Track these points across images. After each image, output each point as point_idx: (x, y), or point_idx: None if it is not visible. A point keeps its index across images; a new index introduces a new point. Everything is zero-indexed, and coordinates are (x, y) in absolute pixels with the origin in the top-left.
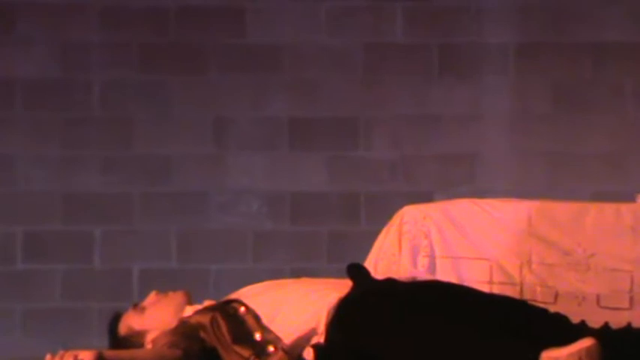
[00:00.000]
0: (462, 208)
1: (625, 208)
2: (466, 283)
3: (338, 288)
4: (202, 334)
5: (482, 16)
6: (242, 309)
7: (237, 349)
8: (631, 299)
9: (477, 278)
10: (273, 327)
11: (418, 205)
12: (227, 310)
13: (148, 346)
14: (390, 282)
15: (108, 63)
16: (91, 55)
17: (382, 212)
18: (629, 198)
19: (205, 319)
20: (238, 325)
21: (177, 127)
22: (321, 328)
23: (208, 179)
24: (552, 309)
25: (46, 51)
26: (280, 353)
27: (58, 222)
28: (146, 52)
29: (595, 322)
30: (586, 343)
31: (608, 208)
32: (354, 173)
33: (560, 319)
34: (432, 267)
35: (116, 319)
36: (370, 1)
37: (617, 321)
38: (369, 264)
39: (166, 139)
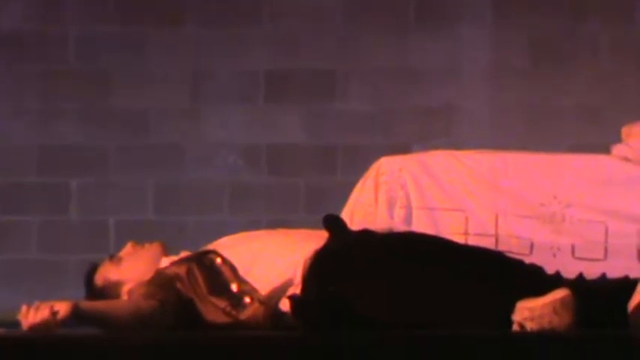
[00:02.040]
0: (439, 160)
1: (601, 159)
2: (442, 235)
3: (314, 239)
4: (178, 285)
5: None
6: (218, 260)
7: (214, 300)
8: (605, 250)
9: (453, 229)
10: (249, 278)
11: (395, 157)
12: (203, 261)
13: (124, 296)
14: (366, 233)
15: (84, 15)
16: (67, 8)
17: (359, 164)
18: (606, 150)
19: (181, 270)
20: (214, 276)
21: (154, 80)
22: (298, 279)
23: (185, 132)
24: (527, 260)
25: (22, 4)
26: (256, 304)
27: (34, 174)
28: (123, 4)
29: (570, 273)
30: (560, 293)
31: (584, 160)
32: (331, 125)
33: (535, 270)
34: (408, 218)
35: (92, 270)
36: None
37: (592, 272)
38: (345, 215)
39: (143, 92)
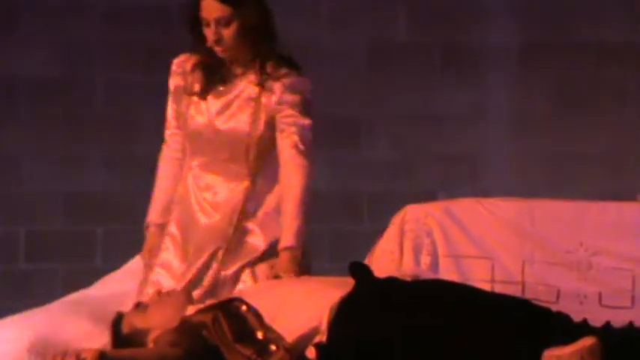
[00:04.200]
0: (464, 207)
1: (626, 207)
2: (468, 282)
3: (340, 286)
4: (204, 333)
5: (485, 16)
6: (244, 307)
7: (240, 347)
8: (633, 298)
9: (479, 277)
10: (275, 326)
11: (420, 205)
12: (229, 309)
13: (150, 344)
14: (392, 281)
15: (111, 62)
16: (94, 54)
17: (384, 211)
18: (631, 198)
19: (207, 318)
20: (240, 323)
21: None
22: (324, 327)
23: None
24: (554, 308)
25: (48, 50)
26: (282, 352)
27: (59, 221)
28: (150, 52)
29: (597, 320)
30: (588, 341)
31: (610, 207)
32: (356, 172)
33: (562, 318)
34: (434, 265)
35: (119, 318)
36: None
37: (619, 320)
38: (370, 263)
39: None
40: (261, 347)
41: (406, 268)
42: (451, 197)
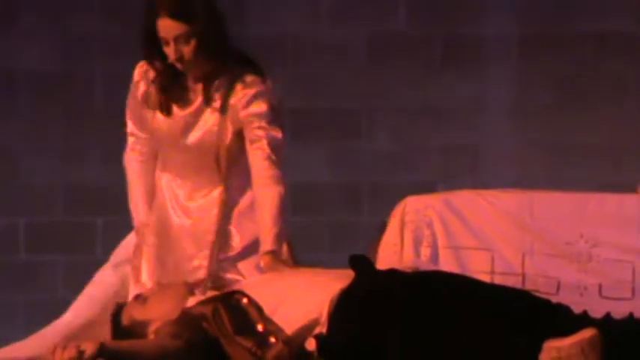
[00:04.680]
0: (464, 199)
1: (627, 198)
2: (468, 274)
3: (340, 278)
4: (204, 325)
5: (486, 8)
6: (244, 300)
7: (240, 339)
8: (633, 289)
9: (479, 269)
10: (275, 318)
11: (420, 196)
12: (229, 301)
13: (151, 336)
14: (392, 272)
15: (110, 55)
16: (93, 48)
17: (384, 203)
18: (631, 189)
19: (207, 310)
20: (240, 316)
21: None
22: (324, 319)
23: None
24: (554, 300)
25: (48, 43)
26: (280, 344)
27: (60, 213)
28: None
29: (597, 312)
30: (588, 333)
31: (610, 199)
32: (355, 164)
33: (562, 310)
34: (434, 257)
35: (119, 310)
36: None
37: (619, 311)
38: (372, 254)
39: None
40: (261, 339)
41: (406, 260)
42: (451, 189)
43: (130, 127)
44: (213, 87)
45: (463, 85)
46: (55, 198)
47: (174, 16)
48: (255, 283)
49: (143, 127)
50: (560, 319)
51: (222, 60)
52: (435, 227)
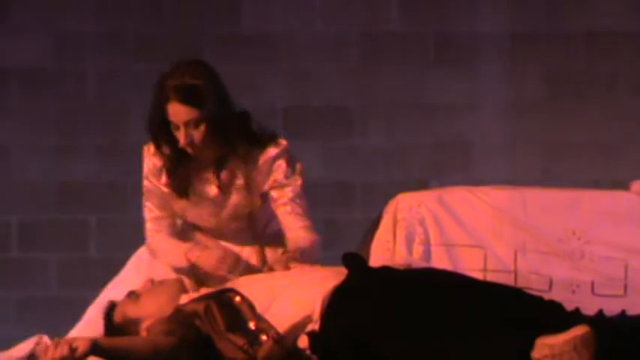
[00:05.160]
0: (457, 196)
1: (619, 195)
2: (460, 271)
3: (332, 276)
4: (197, 322)
5: (478, 5)
6: (237, 298)
7: (232, 337)
8: (625, 287)
9: (472, 266)
10: (268, 316)
11: (413, 193)
12: (222, 299)
13: (143, 333)
14: (384, 270)
15: (102, 52)
16: (86, 45)
17: (376, 200)
18: (624, 186)
19: (200, 307)
20: (233, 313)
21: None
22: (316, 316)
23: None
24: (547, 297)
25: (40, 41)
26: (270, 342)
27: (53, 210)
28: (141, 41)
29: (589, 309)
30: (580, 330)
31: (603, 196)
32: (348, 161)
33: (555, 307)
34: (426, 254)
35: (111, 306)
36: None
37: (612, 308)
38: (364, 251)
39: None
40: (253, 337)
41: (399, 258)
42: (443, 186)
43: (150, 211)
44: (227, 171)
45: (455, 83)
46: (48, 195)
47: (185, 101)
48: (247, 281)
49: (164, 206)
50: (553, 317)
51: (232, 143)
52: (428, 224)
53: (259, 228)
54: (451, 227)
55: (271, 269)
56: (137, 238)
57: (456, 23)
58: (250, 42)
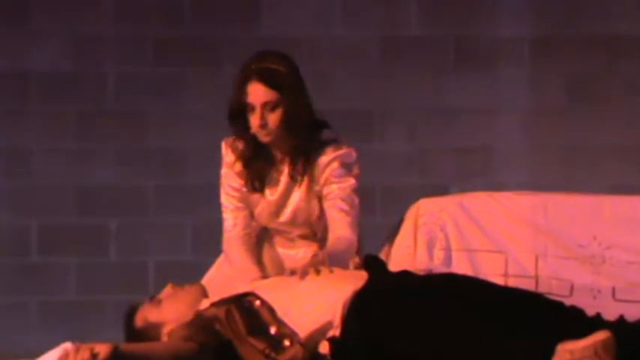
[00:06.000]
0: (478, 201)
1: None
2: (481, 276)
3: (353, 280)
4: (217, 327)
5: (498, 9)
6: (257, 302)
7: (253, 341)
8: None
9: (493, 271)
10: (288, 320)
11: (434, 198)
12: (242, 303)
13: (164, 338)
14: (405, 274)
15: (122, 56)
16: (105, 48)
17: (397, 205)
18: None
19: (221, 312)
20: (253, 318)
21: (191, 120)
22: (337, 321)
23: None
24: (568, 302)
25: (60, 44)
26: (295, 347)
27: (73, 215)
28: (160, 45)
29: (610, 315)
30: (601, 335)
31: (624, 201)
32: (368, 166)
33: (576, 312)
34: (447, 260)
35: (132, 311)
36: None
37: (633, 314)
38: (385, 257)
39: (180, 133)
40: (275, 342)
41: (419, 263)
42: (464, 191)
43: (228, 204)
44: (299, 165)
45: (476, 87)
46: (68, 199)
47: (266, 81)
48: (268, 285)
49: (242, 198)
50: (574, 322)
51: (305, 134)
52: (449, 230)
53: (319, 239)
54: (472, 232)
55: (293, 273)
56: (156, 243)
57: (477, 27)
58: (270, 46)
